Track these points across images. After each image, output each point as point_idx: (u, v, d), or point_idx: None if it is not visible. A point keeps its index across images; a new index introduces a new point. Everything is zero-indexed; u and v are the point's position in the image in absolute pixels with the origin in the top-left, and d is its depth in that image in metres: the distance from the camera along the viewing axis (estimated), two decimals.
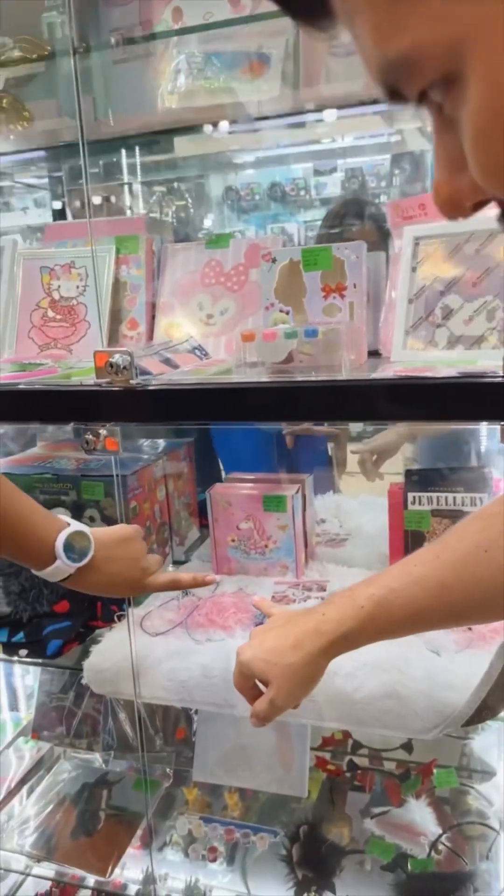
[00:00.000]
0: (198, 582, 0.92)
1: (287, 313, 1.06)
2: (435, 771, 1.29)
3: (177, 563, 1.43)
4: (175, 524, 1.43)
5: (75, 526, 0.82)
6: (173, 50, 1.19)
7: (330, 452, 2.25)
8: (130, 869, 1.49)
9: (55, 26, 1.26)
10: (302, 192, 3.00)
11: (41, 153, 1.52)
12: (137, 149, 1.55)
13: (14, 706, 1.60)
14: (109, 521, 1.24)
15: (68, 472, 1.27)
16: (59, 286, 1.25)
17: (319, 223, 1.68)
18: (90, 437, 0.91)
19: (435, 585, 0.68)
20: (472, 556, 0.68)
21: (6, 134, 1.31)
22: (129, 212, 1.69)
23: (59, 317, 1.24)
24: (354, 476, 2.07)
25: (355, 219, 1.38)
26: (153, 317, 1.24)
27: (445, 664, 0.93)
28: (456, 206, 0.35)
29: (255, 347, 0.94)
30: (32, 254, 1.28)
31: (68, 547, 0.80)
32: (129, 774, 1.37)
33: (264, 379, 0.88)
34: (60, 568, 0.80)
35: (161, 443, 1.50)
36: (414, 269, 1.04)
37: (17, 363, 1.15)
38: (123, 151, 1.56)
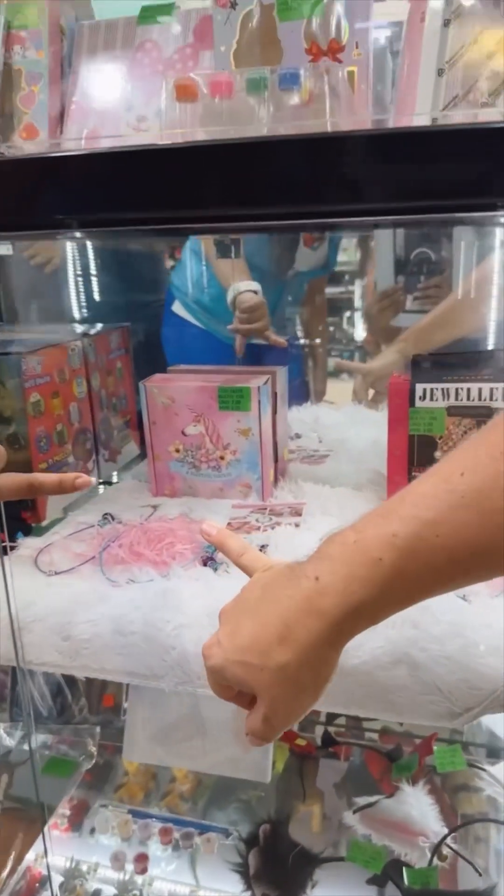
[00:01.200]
0: (65, 486, 0.58)
1: None
2: (436, 748, 1.00)
3: (106, 483, 1.09)
4: (103, 434, 1.09)
5: None
6: None
7: (306, 377, 1.92)
8: (55, 856, 1.21)
9: None
10: None
11: None
12: None
13: None
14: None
15: None
16: None
17: None
18: None
19: (502, 503, 0.38)
20: None
21: None
22: None
23: None
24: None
25: None
26: (61, 123, 0.86)
27: (479, 616, 0.62)
28: None
29: (201, 115, 0.58)
30: None
31: None
32: (41, 752, 1.06)
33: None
34: None
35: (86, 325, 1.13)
36: (447, 23, 0.67)
37: None
38: None
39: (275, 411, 0.97)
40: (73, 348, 0.99)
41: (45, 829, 0.93)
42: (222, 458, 0.93)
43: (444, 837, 0.87)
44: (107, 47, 0.86)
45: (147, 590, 0.68)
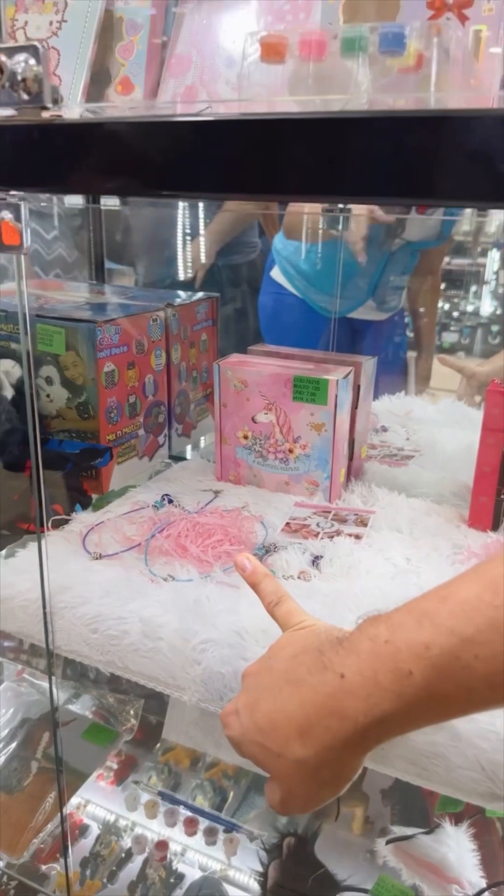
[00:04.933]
0: None
1: None
2: None
3: (174, 458, 1.06)
4: (179, 408, 1.05)
5: None
6: None
7: (405, 357, 1.80)
8: (97, 807, 1.24)
9: None
10: None
11: None
12: None
13: None
14: (71, 385, 0.87)
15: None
16: (26, 22, 0.83)
17: None
18: None
19: None
20: None
21: None
22: None
23: None
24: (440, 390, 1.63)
25: None
26: (159, 78, 0.80)
27: None
28: None
29: (289, 77, 0.51)
30: None
31: None
32: (85, 716, 1.08)
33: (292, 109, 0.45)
34: None
35: (179, 295, 1.09)
36: None
37: None
38: None
39: (355, 406, 0.90)
40: (155, 318, 0.95)
41: (64, 810, 0.94)
42: (291, 451, 0.87)
43: (482, 892, 0.80)
44: None
45: (183, 592, 0.64)
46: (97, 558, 0.72)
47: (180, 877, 1.12)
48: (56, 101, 0.48)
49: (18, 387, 0.84)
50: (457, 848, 0.84)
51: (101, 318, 0.85)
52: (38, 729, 1.03)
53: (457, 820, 0.89)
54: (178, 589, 0.65)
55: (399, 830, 0.89)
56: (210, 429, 1.15)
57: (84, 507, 0.85)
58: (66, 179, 0.50)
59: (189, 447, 1.11)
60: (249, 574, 0.52)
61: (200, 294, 1.10)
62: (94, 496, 0.89)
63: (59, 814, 0.91)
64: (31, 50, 0.47)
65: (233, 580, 0.66)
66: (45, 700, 1.11)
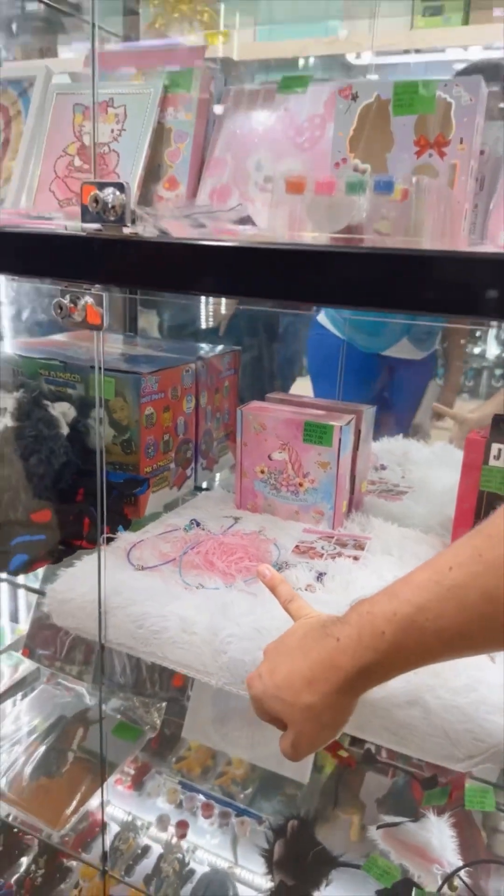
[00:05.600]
0: None
1: (363, 173, 0.78)
2: (467, 785, 1.05)
3: (199, 489, 1.21)
4: (204, 445, 1.21)
5: None
6: None
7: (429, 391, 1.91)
8: (116, 808, 1.36)
9: None
10: None
11: None
12: None
13: (15, 616, 1.48)
14: (118, 425, 1.03)
15: (79, 361, 1.06)
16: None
17: None
18: (66, 302, 0.68)
19: (476, 599, 0.47)
20: None
21: None
22: None
23: (86, 166, 1.00)
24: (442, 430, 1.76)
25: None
26: (199, 178, 0.98)
27: (498, 676, 0.68)
28: None
29: (307, 206, 0.68)
30: (67, 88, 1.04)
31: None
32: (113, 716, 1.21)
33: (309, 241, 0.62)
34: None
35: (203, 347, 1.26)
36: None
37: (23, 215, 0.93)
38: None
39: (356, 448, 1.05)
40: (188, 370, 1.12)
41: (104, 785, 1.07)
42: (301, 484, 1.02)
43: (458, 869, 0.92)
44: (248, 111, 0.97)
45: (212, 597, 0.79)
46: (140, 569, 0.87)
47: (191, 871, 1.24)
48: (133, 222, 0.65)
49: (73, 426, 1.00)
50: (439, 834, 0.97)
51: (144, 369, 1.02)
52: (72, 725, 1.17)
53: (439, 811, 1.03)
54: (207, 595, 0.80)
55: (390, 820, 1.02)
56: (228, 464, 1.31)
57: (125, 528, 1.00)
58: (138, 279, 0.67)
59: (206, 481, 1.27)
60: (269, 580, 0.67)
61: (221, 347, 1.27)
62: (132, 519, 1.04)
63: (92, 796, 1.04)
64: (118, 186, 0.64)
65: (252, 589, 0.81)
66: (76, 701, 1.25)
